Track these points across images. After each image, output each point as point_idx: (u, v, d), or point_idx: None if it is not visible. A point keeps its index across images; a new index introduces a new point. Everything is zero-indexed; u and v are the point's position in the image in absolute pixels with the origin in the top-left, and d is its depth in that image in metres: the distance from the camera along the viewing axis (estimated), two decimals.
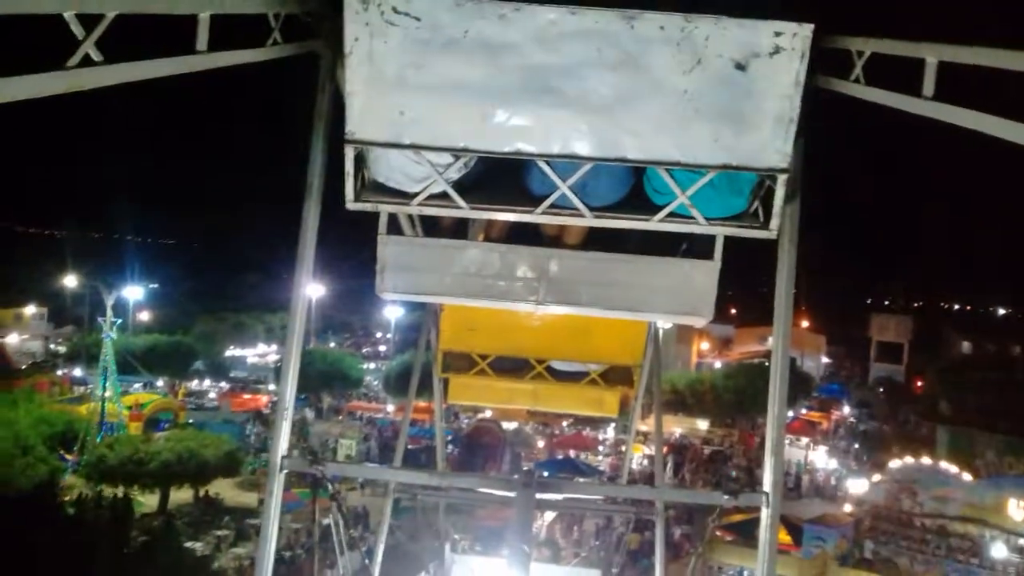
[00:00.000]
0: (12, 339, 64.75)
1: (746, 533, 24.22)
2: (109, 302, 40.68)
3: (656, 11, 4.68)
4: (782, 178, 5.15)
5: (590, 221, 5.55)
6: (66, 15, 3.57)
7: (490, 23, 4.74)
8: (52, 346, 69.12)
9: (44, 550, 16.13)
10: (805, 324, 69.84)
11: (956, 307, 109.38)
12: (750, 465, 42.15)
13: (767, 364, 6.58)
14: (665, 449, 32.04)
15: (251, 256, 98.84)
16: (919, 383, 65.15)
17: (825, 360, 76.10)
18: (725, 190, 5.41)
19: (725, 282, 6.05)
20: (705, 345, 68.32)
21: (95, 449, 32.30)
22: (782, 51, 4.72)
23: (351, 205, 5.57)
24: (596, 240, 6.23)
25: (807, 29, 4.68)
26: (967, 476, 31.20)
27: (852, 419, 57.62)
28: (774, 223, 5.44)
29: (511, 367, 9.69)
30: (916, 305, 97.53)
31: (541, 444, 44.79)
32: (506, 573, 5.93)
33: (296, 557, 27.04)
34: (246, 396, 54.56)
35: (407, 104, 5.02)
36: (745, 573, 27.12)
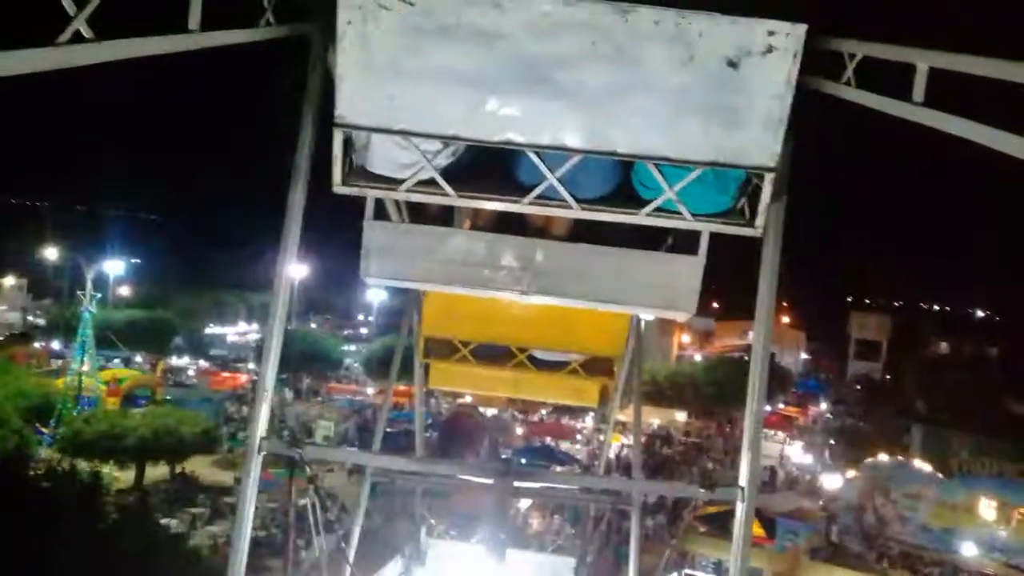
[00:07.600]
0: None
1: (720, 525, 24.37)
2: (89, 275, 40.41)
3: (651, 6, 4.68)
4: (769, 177, 5.16)
5: (577, 213, 5.54)
6: None
7: (484, 11, 4.71)
8: (31, 318, 68.65)
9: (14, 523, 15.98)
10: (785, 320, 70.29)
11: (935, 307, 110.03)
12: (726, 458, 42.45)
13: (747, 358, 6.63)
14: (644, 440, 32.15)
15: (233, 234, 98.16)
16: (896, 381, 65.69)
17: (804, 356, 76.67)
18: (712, 187, 5.42)
19: (707, 276, 6.07)
20: (686, 338, 68.69)
21: (71, 423, 32.15)
22: (775, 50, 4.72)
23: (338, 189, 5.55)
24: (582, 232, 6.24)
25: (800, 29, 4.68)
26: (940, 475, 31.58)
27: (828, 415, 58.11)
28: (759, 221, 5.46)
29: (493, 355, 9.71)
30: (896, 304, 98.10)
31: (520, 431, 44.91)
32: (482, 560, 5.96)
33: (271, 537, 27.00)
34: (225, 374, 54.48)
35: (398, 89, 5.00)
36: (720, 564, 27.36)
